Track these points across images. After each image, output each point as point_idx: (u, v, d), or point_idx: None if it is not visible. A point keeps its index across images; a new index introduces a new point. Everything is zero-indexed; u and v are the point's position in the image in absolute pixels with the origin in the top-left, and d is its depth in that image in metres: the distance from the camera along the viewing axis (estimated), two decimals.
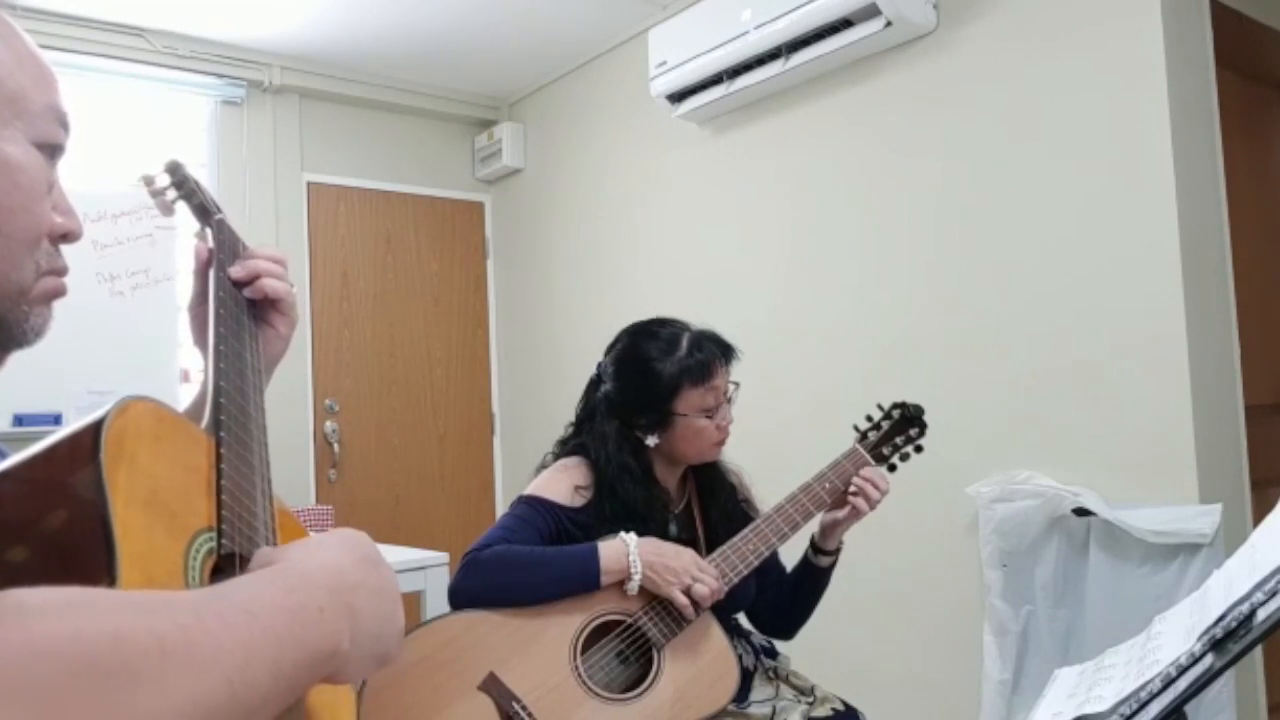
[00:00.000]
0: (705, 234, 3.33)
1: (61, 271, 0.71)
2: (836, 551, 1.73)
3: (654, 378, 1.63)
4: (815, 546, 1.72)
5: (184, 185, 1.01)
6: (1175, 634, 0.72)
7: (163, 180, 1.00)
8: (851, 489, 1.64)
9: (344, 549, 0.64)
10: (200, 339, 0.94)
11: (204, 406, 0.85)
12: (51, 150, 0.68)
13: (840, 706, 1.65)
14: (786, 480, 1.67)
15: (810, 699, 1.65)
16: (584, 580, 1.49)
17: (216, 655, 0.47)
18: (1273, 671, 2.24)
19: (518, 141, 4.23)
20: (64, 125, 0.69)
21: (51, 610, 0.43)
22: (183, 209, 1.01)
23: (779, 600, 1.75)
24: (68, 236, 0.71)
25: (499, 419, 4.40)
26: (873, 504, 1.65)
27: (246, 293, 0.94)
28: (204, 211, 1.00)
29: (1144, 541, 2.07)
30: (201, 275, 0.95)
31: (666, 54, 3.14)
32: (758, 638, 1.76)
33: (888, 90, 2.73)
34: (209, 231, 0.97)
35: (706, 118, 3.24)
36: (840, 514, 1.67)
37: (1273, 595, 0.64)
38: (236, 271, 0.93)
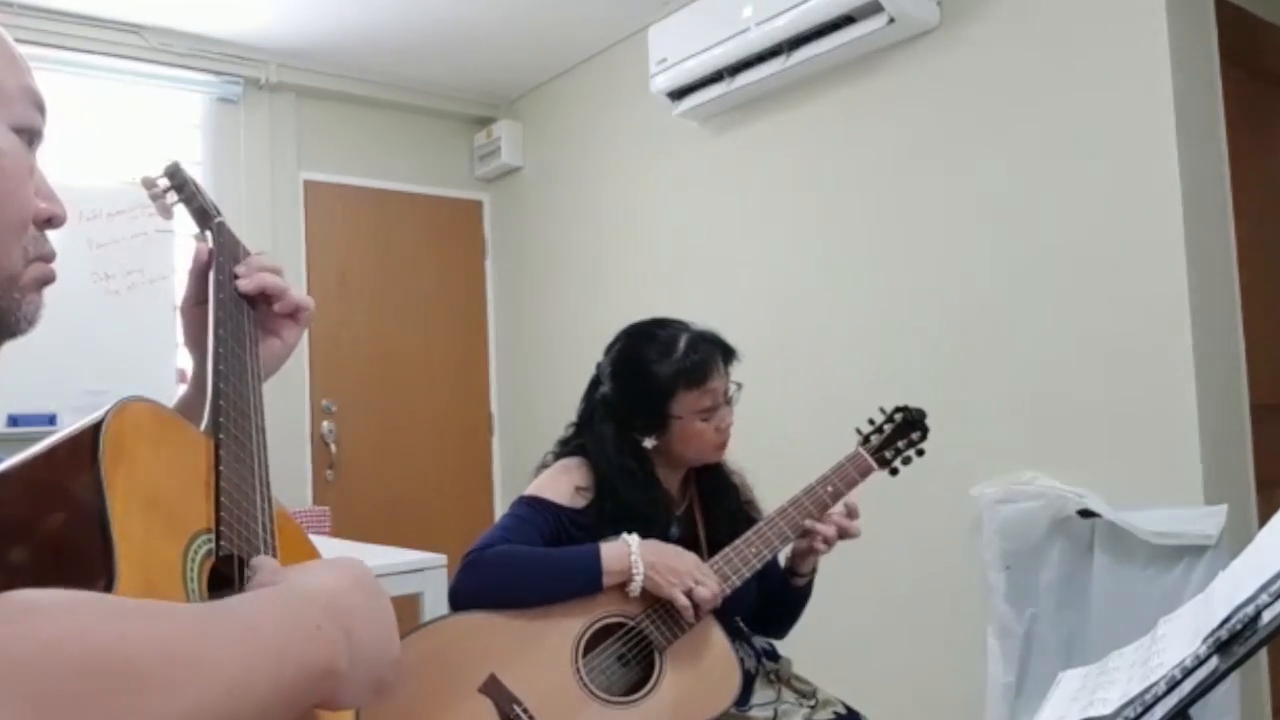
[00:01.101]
0: (706, 232, 3.32)
1: (49, 257, 0.71)
2: (811, 573, 1.73)
3: (650, 380, 1.62)
4: (790, 569, 1.72)
5: (184, 188, 1.00)
6: (1180, 636, 0.72)
7: (163, 183, 1.00)
8: (810, 527, 1.62)
9: (342, 575, 0.65)
10: (192, 339, 0.94)
11: (193, 407, 0.85)
12: (30, 135, 0.67)
13: (842, 710, 1.65)
14: (789, 483, 1.66)
15: (812, 702, 1.64)
16: (585, 581, 1.48)
17: (219, 665, 0.48)
18: (1278, 674, 2.23)
19: (517, 139, 4.22)
20: (40, 109, 0.68)
21: (60, 611, 0.44)
22: (182, 212, 1.00)
23: (765, 605, 1.75)
24: (52, 221, 0.70)
25: (498, 419, 4.39)
26: (830, 544, 1.64)
27: (276, 308, 0.94)
28: (204, 214, 0.99)
29: (1148, 543, 2.07)
30: (200, 276, 0.94)
31: (667, 51, 3.14)
32: (760, 640, 1.75)
33: (890, 87, 2.72)
34: (209, 234, 0.96)
35: (707, 115, 3.24)
36: (801, 546, 1.67)
37: (1278, 597, 0.63)
38: (246, 285, 0.92)
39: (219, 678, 0.48)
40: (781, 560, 1.76)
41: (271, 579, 0.63)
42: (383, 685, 0.64)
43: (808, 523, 1.62)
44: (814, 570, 1.73)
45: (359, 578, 0.66)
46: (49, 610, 0.43)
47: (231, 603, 0.56)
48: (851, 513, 1.65)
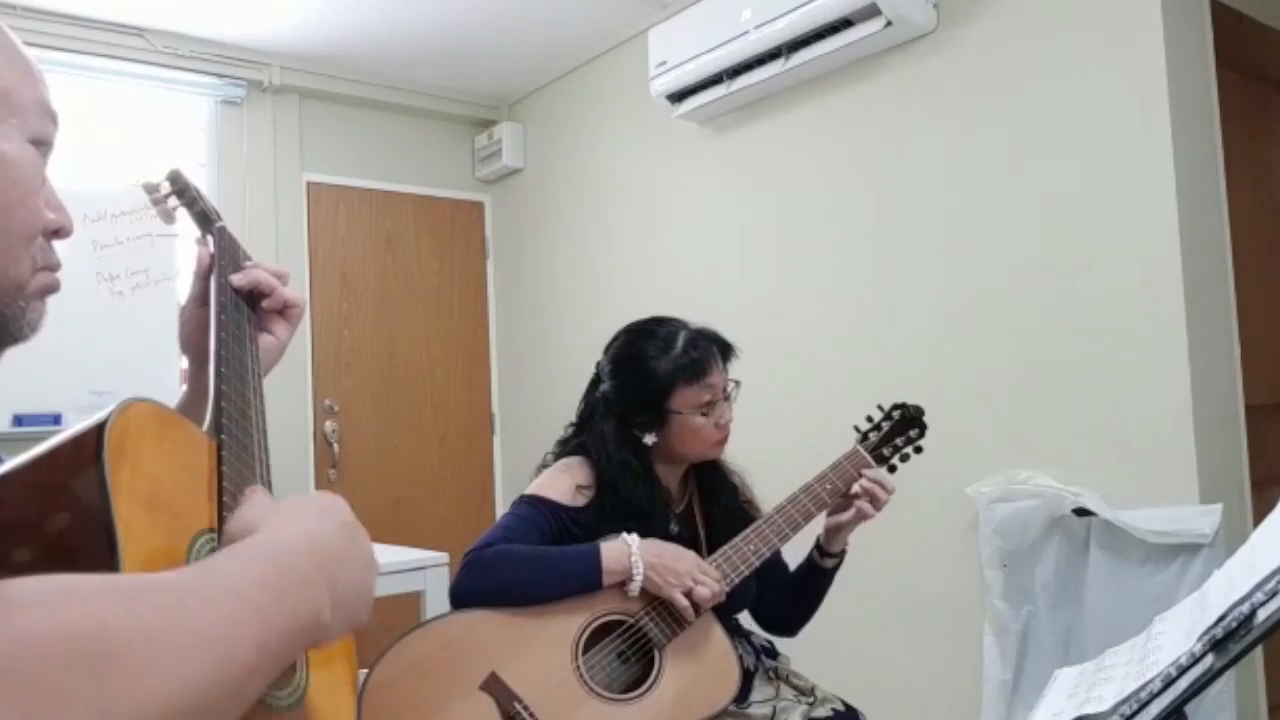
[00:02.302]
0: (705, 233, 3.33)
1: (55, 267, 0.72)
2: (841, 553, 1.73)
3: (649, 375, 1.63)
4: (820, 548, 1.72)
5: (185, 193, 1.02)
6: (1175, 634, 0.72)
7: (164, 188, 1.01)
8: (856, 490, 1.64)
9: (323, 516, 0.65)
10: (188, 341, 0.95)
11: (190, 408, 0.86)
12: (43, 147, 0.68)
13: (840, 707, 1.65)
14: (787, 481, 1.67)
15: (810, 699, 1.65)
16: (585, 580, 1.49)
17: (202, 637, 0.48)
18: (1273, 671, 2.23)
19: (518, 141, 4.22)
20: (54, 121, 0.69)
21: (34, 601, 0.43)
22: (183, 216, 1.02)
23: (782, 599, 1.76)
24: (60, 232, 0.71)
25: (499, 419, 4.40)
26: (879, 506, 1.64)
27: (266, 304, 0.96)
28: (205, 219, 1.01)
29: (1144, 541, 2.08)
30: (202, 279, 0.96)
31: (667, 54, 3.14)
32: (758, 638, 1.76)
33: (888, 90, 2.73)
34: (210, 238, 0.98)
35: (707, 117, 3.24)
36: (844, 517, 1.66)
37: (1273, 595, 0.64)
38: (238, 279, 0.94)
39: (204, 650, 0.47)
40: (791, 560, 1.77)
41: (250, 525, 0.63)
42: (357, 623, 0.64)
43: (857, 485, 1.62)
44: (844, 552, 1.72)
45: (340, 518, 0.66)
46: (22, 602, 0.43)
47: (212, 565, 0.55)
48: (885, 485, 1.64)
